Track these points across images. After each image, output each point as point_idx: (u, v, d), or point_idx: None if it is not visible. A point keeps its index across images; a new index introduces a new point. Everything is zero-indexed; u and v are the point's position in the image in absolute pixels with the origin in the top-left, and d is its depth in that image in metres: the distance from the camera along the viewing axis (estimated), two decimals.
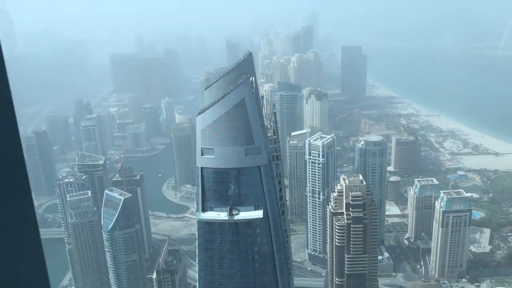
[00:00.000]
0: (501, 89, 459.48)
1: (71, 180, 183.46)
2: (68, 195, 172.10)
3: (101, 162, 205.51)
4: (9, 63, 11.80)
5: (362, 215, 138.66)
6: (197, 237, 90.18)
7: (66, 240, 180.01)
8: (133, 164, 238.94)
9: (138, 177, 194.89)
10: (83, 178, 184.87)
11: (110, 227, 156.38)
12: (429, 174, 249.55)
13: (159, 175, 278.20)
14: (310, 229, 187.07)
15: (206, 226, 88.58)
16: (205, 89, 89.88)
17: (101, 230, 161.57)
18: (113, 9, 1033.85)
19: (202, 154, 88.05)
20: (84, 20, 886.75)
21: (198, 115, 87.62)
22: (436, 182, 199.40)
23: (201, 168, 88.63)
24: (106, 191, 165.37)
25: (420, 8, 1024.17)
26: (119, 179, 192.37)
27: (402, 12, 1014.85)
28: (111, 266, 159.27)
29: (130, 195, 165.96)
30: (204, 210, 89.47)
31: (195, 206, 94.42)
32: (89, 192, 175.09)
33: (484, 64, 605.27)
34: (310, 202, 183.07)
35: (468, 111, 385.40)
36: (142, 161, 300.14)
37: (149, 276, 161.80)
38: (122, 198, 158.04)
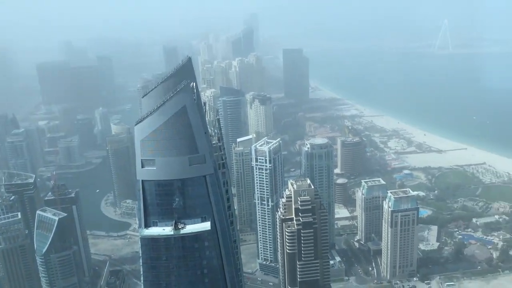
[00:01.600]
0: (439, 87, 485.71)
1: None
2: None
3: (31, 180, 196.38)
4: None
5: (311, 219, 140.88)
6: (141, 255, 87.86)
7: None
8: (67, 180, 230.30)
9: (73, 195, 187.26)
10: (11, 199, 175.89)
11: (44, 250, 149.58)
12: (375, 174, 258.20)
13: (97, 191, 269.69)
14: (260, 238, 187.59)
15: (150, 243, 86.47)
16: (143, 97, 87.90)
17: (35, 254, 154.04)
18: (37, 13, 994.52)
19: (142, 166, 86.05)
20: (4, 26, 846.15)
21: (136, 124, 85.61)
22: (383, 182, 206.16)
23: (142, 181, 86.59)
24: (38, 212, 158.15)
25: (359, 9, 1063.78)
26: (52, 197, 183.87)
27: (341, 13, 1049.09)
28: None
29: (65, 214, 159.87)
30: (147, 226, 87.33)
31: (137, 222, 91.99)
32: (19, 213, 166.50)
33: (424, 63, 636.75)
34: (259, 209, 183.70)
35: (410, 110, 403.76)
36: (77, 177, 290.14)
37: None
38: (57, 218, 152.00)
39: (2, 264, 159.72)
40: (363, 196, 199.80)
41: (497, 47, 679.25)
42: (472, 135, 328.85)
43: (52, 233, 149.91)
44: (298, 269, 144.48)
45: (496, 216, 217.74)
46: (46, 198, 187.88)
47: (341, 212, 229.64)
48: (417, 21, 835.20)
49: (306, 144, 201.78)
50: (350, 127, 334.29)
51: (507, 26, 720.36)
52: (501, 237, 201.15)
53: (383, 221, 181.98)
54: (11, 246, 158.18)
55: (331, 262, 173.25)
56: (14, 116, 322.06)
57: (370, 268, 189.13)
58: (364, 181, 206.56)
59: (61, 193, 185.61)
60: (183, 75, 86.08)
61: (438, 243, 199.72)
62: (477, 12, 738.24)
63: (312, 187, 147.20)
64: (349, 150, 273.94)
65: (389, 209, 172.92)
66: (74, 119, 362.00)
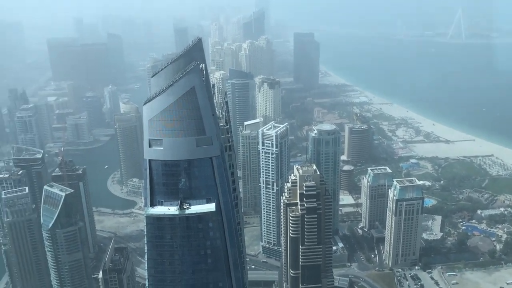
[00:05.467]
0: (451, 77, 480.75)
1: (6, 175, 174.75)
2: (3, 192, 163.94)
3: (39, 155, 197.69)
4: None
5: (316, 205, 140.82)
6: (145, 233, 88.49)
7: (1, 241, 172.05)
8: (75, 157, 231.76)
9: (80, 171, 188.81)
10: (19, 173, 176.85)
11: (50, 225, 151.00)
12: (382, 162, 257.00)
13: (106, 167, 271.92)
14: (264, 221, 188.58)
15: (155, 222, 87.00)
16: (152, 77, 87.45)
17: (41, 229, 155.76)
18: None
19: (150, 146, 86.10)
20: (16, 2, 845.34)
21: (144, 104, 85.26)
22: (389, 170, 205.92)
23: (149, 160, 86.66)
24: (45, 187, 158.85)
25: None
26: (60, 173, 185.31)
27: None
28: (52, 266, 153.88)
29: (72, 190, 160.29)
30: (152, 204, 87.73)
31: (143, 201, 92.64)
32: (27, 188, 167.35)
33: (436, 52, 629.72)
34: (264, 193, 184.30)
35: (420, 99, 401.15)
36: (84, 154, 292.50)
37: (95, 275, 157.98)
38: (63, 194, 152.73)
39: (10, 237, 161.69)
40: (368, 183, 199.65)
41: (510, 38, 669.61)
42: (481, 126, 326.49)
43: (59, 209, 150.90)
44: (300, 253, 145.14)
45: (502, 209, 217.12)
46: (53, 174, 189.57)
47: (345, 198, 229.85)
48: (432, 10, 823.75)
49: (314, 130, 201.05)
50: (358, 114, 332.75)
51: None
52: (505, 229, 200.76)
53: (387, 209, 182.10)
54: (18, 220, 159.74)
55: (334, 248, 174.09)
56: (24, 91, 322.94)
57: (373, 255, 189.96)
58: (370, 169, 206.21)
59: (69, 169, 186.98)
60: (193, 56, 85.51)
61: (441, 233, 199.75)
62: (490, 2, 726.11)
63: (318, 172, 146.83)
64: (357, 137, 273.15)
65: (394, 198, 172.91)
66: (83, 96, 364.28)
